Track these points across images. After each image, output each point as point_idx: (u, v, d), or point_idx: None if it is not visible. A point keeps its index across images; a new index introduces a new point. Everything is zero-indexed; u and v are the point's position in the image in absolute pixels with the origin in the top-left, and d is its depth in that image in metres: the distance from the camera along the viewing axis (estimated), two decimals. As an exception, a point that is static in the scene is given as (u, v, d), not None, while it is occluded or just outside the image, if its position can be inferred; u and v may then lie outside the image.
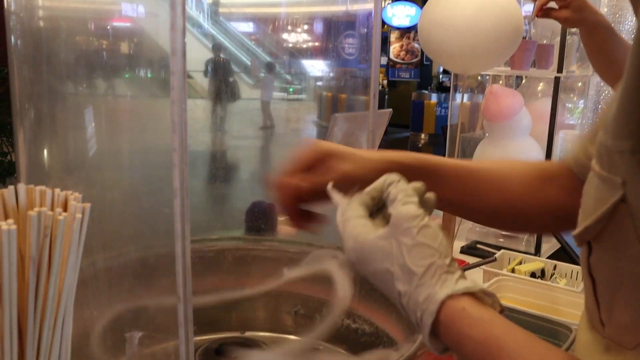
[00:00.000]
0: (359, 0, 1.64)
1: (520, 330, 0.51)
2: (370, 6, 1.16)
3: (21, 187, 0.60)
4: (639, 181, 0.46)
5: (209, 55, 2.40)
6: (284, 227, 1.30)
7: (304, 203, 0.70)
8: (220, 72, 2.18)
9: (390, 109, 1.38)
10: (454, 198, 0.75)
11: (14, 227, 0.53)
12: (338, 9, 1.86)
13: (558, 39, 1.87)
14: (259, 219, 1.20)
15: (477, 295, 0.53)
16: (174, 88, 0.58)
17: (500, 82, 2.38)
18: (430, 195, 0.60)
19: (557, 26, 1.85)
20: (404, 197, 0.56)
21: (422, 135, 11.16)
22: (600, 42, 1.38)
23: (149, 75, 0.85)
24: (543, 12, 1.38)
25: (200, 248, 1.13)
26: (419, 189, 0.58)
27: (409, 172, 0.71)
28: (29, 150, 0.83)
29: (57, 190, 0.62)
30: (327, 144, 0.73)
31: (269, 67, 2.74)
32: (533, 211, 0.77)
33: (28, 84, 0.84)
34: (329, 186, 0.64)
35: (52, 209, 0.58)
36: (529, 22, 2.04)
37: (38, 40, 0.83)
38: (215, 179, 1.46)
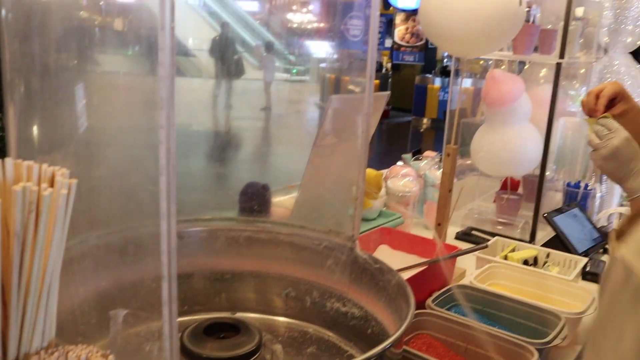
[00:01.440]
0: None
1: None
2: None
3: (9, 161, 0.60)
4: None
5: (214, 34, 2.37)
6: (277, 209, 1.30)
7: None
8: (225, 51, 2.16)
9: (389, 92, 1.36)
10: None
11: (-3, 202, 0.53)
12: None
13: (562, 24, 1.85)
14: (252, 200, 1.19)
15: None
16: (163, 64, 0.57)
17: (503, 67, 2.36)
18: None
19: (561, 11, 1.82)
20: None
21: (425, 120, 11.10)
22: None
23: (140, 52, 0.84)
24: None
25: (193, 228, 1.13)
26: None
27: None
28: (19, 125, 0.83)
29: (45, 166, 0.61)
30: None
31: (269, 47, 2.71)
32: None
33: (19, 58, 0.83)
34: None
35: (38, 184, 0.57)
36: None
37: (29, 14, 0.82)
38: (212, 159, 1.46)
